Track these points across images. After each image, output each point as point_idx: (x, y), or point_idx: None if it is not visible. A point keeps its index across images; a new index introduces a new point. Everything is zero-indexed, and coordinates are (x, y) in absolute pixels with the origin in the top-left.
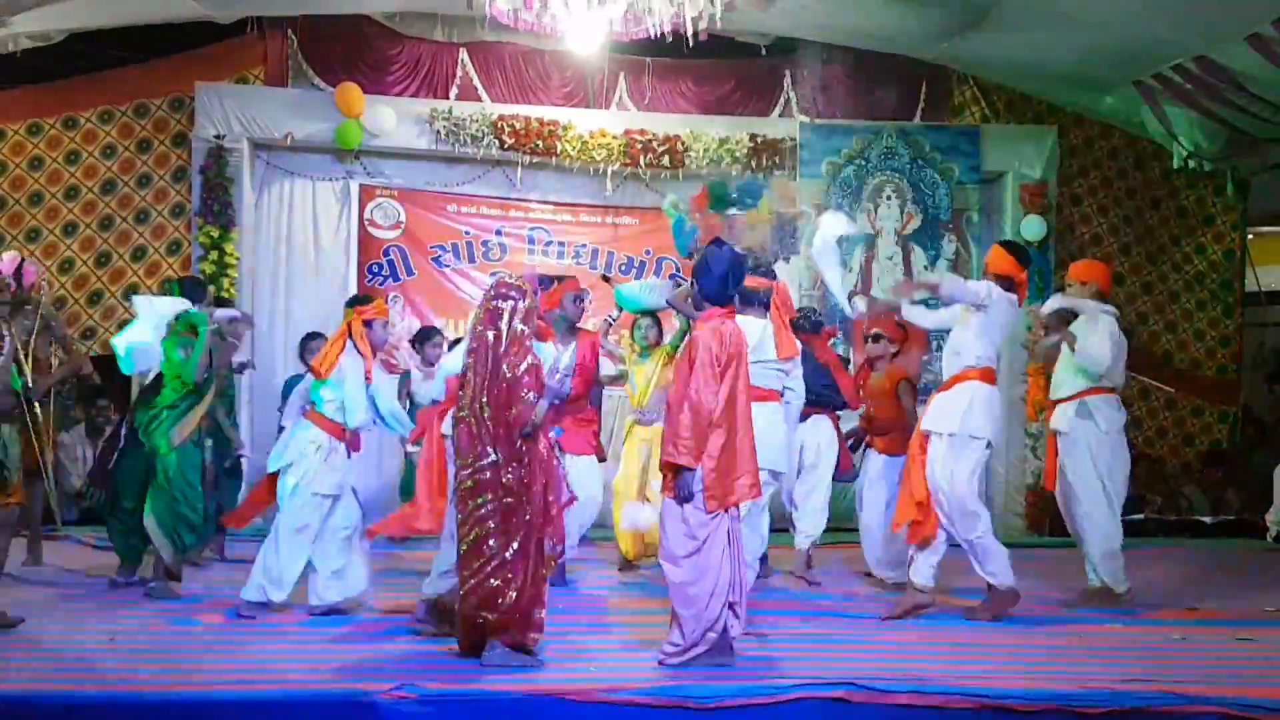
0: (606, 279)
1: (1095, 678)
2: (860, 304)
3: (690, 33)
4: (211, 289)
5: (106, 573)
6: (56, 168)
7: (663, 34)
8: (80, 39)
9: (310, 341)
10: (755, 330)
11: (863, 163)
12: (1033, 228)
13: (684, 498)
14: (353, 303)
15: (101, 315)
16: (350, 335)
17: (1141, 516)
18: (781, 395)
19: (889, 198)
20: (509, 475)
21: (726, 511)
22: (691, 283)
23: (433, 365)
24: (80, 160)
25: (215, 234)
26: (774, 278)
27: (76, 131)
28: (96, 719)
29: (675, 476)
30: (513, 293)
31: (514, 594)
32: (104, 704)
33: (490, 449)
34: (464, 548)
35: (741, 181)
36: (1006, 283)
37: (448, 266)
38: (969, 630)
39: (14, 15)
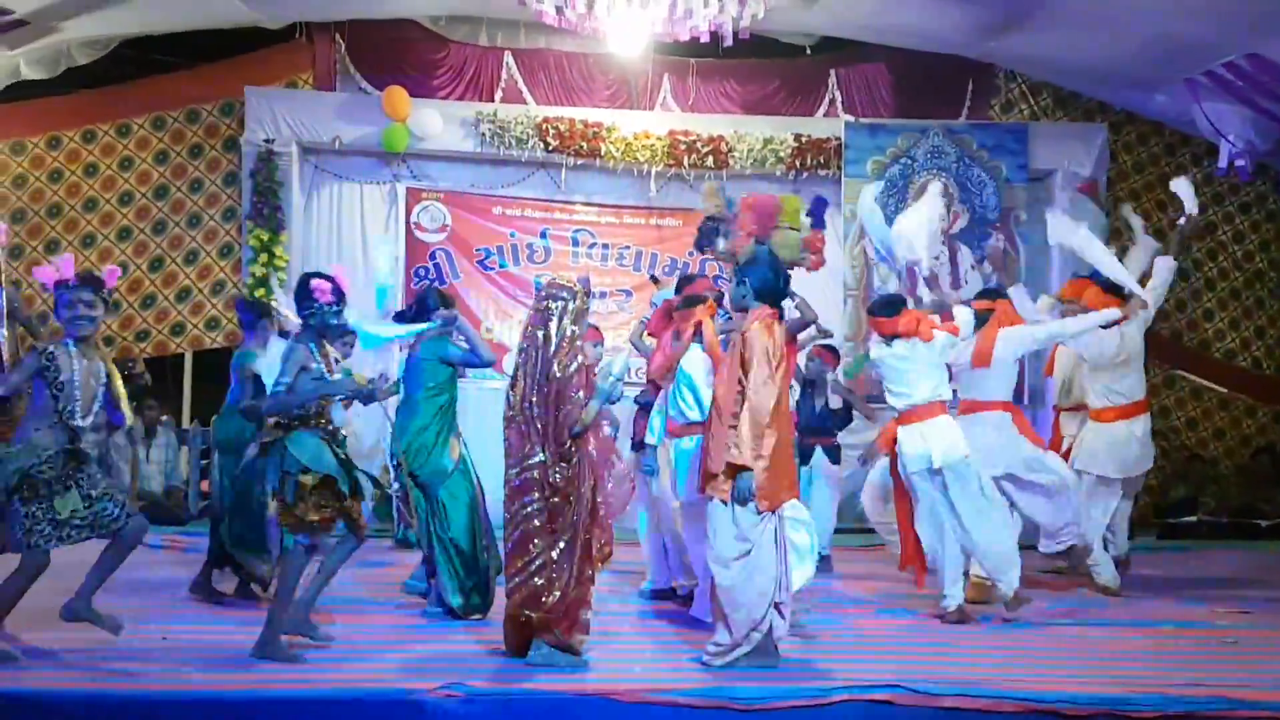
0: (655, 280)
1: (1145, 682)
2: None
3: (732, 33)
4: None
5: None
6: (111, 174)
7: (706, 35)
8: (131, 45)
9: None
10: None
11: (909, 162)
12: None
13: (744, 499)
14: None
15: (155, 318)
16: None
17: (1195, 518)
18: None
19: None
20: (556, 475)
21: (775, 512)
22: (738, 281)
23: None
24: (134, 166)
25: (265, 237)
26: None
27: (130, 138)
28: (145, 716)
29: (732, 478)
30: (563, 293)
31: (558, 594)
32: (151, 702)
33: (538, 449)
34: (509, 546)
35: (812, 204)
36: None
37: (493, 269)
38: (1016, 632)
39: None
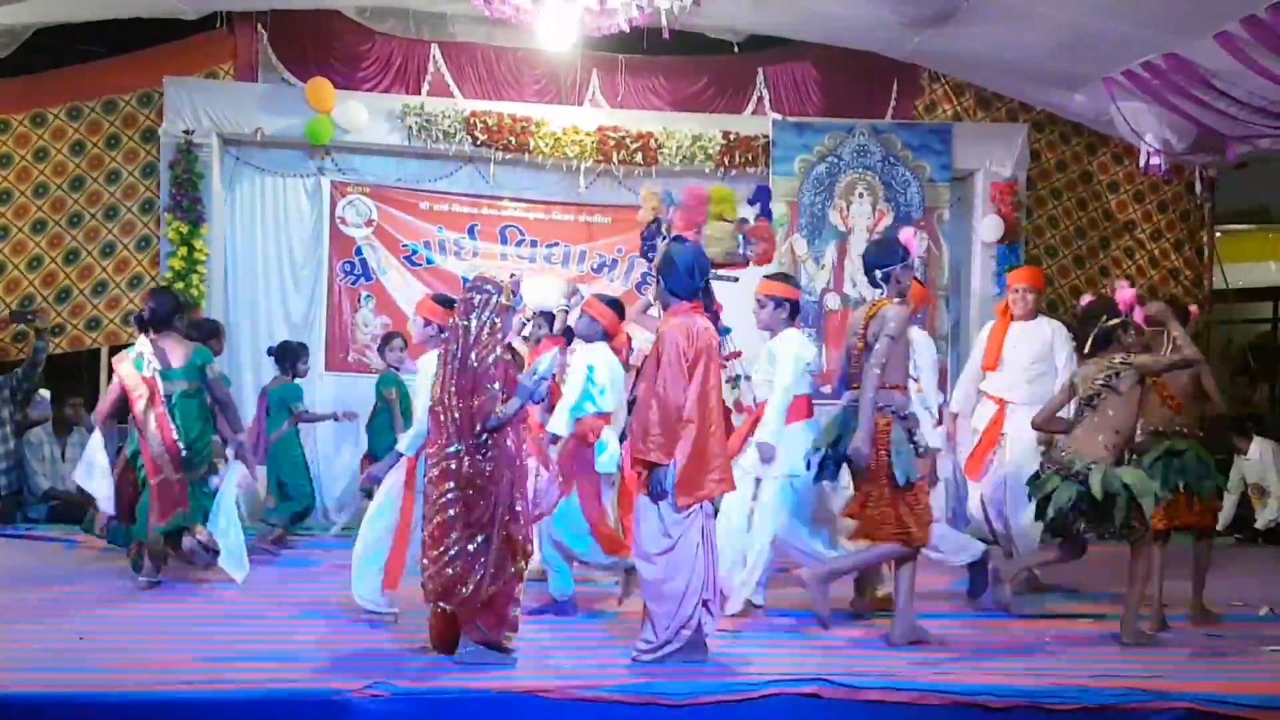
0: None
1: (1065, 674)
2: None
3: (661, 27)
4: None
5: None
6: (25, 165)
7: (634, 30)
8: (47, 33)
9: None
10: None
11: (835, 160)
12: (990, 228)
13: (657, 495)
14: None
15: (70, 312)
16: None
17: None
18: None
19: (861, 195)
20: (470, 467)
21: (701, 508)
22: (656, 279)
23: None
24: (49, 157)
25: (184, 230)
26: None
27: (45, 128)
28: (59, 716)
29: (647, 473)
30: (489, 286)
31: (472, 586)
32: (66, 703)
33: (455, 438)
34: (426, 535)
35: (755, 192)
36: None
37: (420, 265)
38: (941, 626)
39: None
